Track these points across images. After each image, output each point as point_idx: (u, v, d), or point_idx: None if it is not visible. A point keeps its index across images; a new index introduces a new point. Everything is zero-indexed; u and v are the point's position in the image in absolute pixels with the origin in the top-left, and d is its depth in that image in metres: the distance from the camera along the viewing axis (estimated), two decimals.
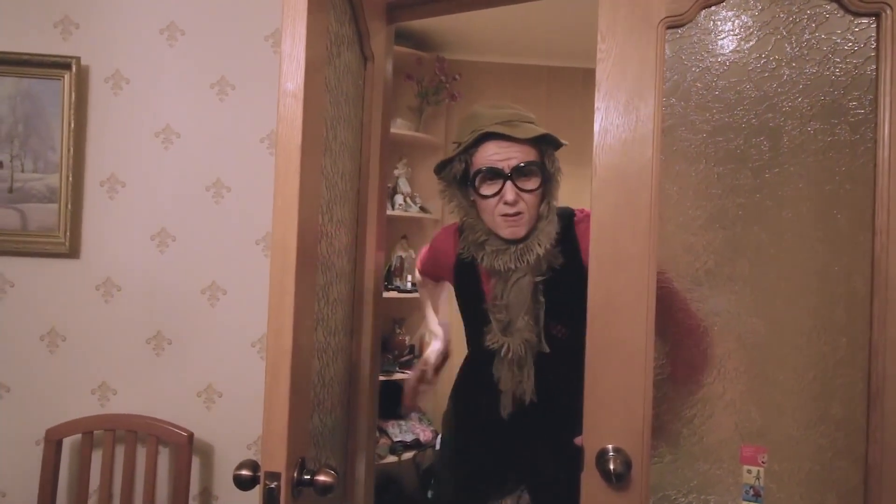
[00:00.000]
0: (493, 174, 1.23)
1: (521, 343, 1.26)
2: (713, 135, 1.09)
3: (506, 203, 1.22)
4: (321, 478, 0.95)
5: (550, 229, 1.25)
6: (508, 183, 1.21)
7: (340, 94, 1.26)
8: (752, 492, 1.05)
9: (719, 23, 1.09)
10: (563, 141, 1.29)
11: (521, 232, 1.24)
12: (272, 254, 0.95)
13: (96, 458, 1.67)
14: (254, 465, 0.95)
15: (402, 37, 2.98)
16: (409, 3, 1.64)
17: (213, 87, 1.74)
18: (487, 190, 1.24)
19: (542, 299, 1.27)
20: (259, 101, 1.73)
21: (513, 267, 1.24)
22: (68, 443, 1.70)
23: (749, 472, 1.05)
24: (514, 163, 1.22)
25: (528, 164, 1.22)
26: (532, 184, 1.23)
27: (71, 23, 1.72)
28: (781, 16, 1.06)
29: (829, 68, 1.04)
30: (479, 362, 1.39)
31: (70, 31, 1.72)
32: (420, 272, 1.72)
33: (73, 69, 1.67)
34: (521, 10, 1.96)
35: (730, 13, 1.08)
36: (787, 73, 1.06)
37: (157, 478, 1.65)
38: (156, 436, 1.66)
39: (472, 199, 1.31)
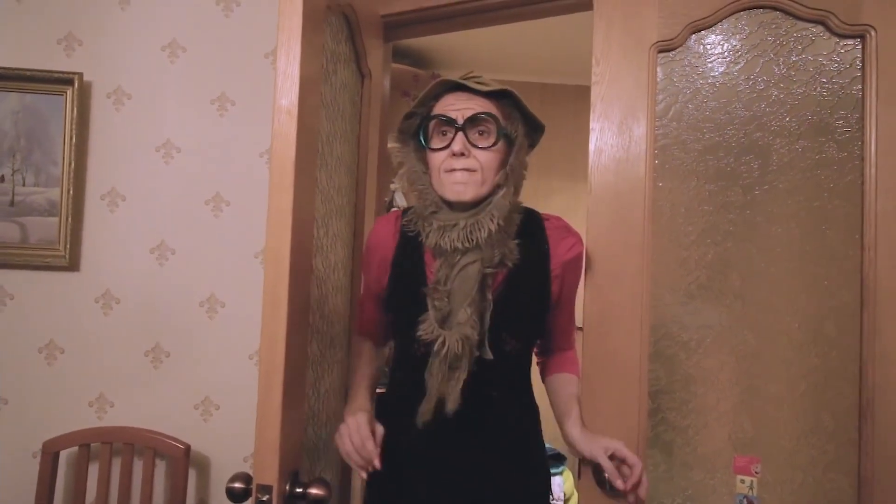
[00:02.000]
0: (445, 123, 1.10)
1: (458, 339, 1.05)
2: (704, 153, 1.11)
3: (453, 155, 1.08)
4: (314, 491, 0.95)
5: (505, 202, 1.09)
6: (459, 133, 1.08)
7: (337, 111, 1.28)
8: (745, 501, 1.05)
9: (709, 46, 1.11)
10: (535, 115, 1.17)
11: (468, 193, 1.08)
12: (266, 266, 0.95)
13: (93, 470, 1.67)
14: (247, 478, 0.95)
15: (399, 54, 3.02)
16: (406, 22, 1.67)
17: (213, 103, 1.76)
18: (438, 142, 1.11)
19: (489, 297, 1.10)
20: (258, 117, 1.75)
21: (460, 246, 1.07)
22: (65, 455, 1.69)
23: (742, 481, 1.06)
24: (468, 113, 1.09)
25: (483, 114, 1.09)
26: (486, 140, 1.09)
27: (74, 39, 1.74)
28: (769, 39, 1.08)
29: (816, 88, 1.07)
30: (408, 366, 1.17)
31: (73, 48, 1.74)
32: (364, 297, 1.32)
33: (76, 85, 1.69)
34: (515, 30, 1.99)
35: (719, 37, 1.11)
36: (775, 93, 1.08)
37: (153, 490, 1.65)
38: (153, 448, 1.66)
39: (425, 163, 1.16)
